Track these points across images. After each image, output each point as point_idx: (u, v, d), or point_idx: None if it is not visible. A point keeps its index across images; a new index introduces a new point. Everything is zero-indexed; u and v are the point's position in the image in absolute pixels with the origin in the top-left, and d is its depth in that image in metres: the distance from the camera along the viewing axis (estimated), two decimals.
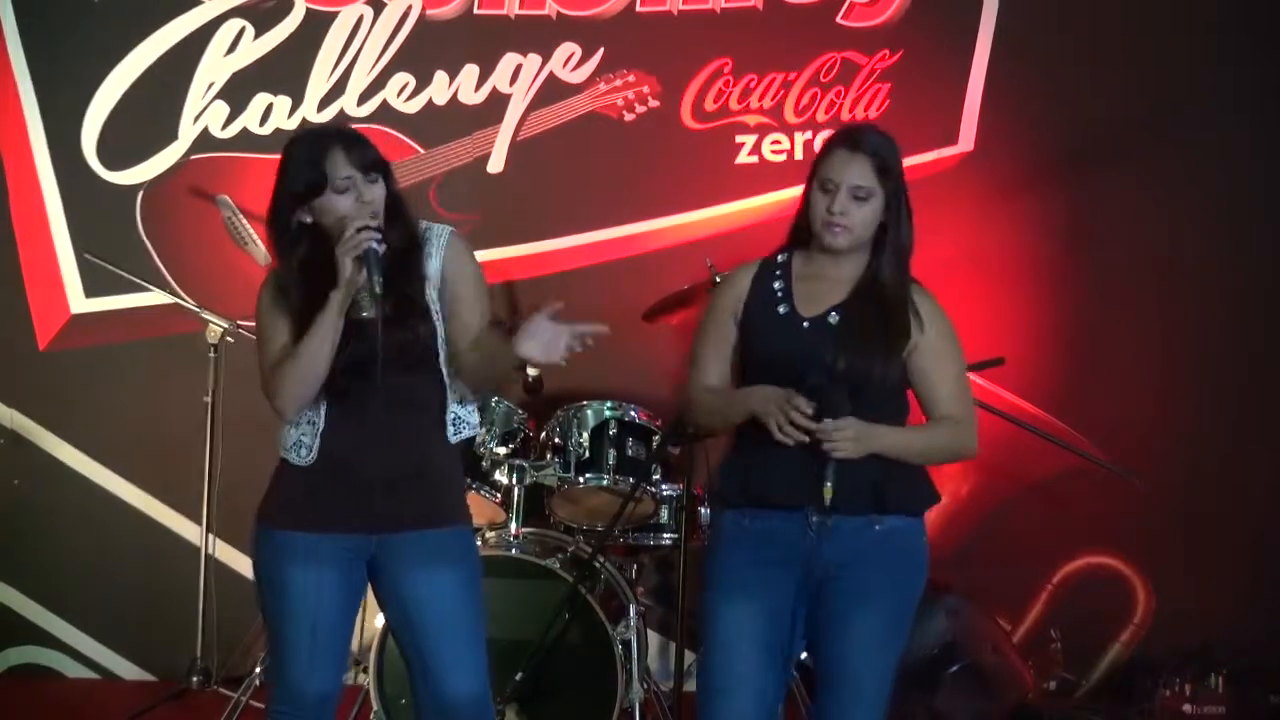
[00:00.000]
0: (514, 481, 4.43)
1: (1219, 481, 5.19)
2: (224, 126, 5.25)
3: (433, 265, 3.14)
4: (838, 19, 5.23)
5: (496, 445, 4.47)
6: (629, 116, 5.25)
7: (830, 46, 5.22)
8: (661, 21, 5.24)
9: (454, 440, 3.15)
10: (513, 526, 4.40)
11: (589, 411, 4.57)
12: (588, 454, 4.52)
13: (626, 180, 5.30)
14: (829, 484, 2.97)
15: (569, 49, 5.23)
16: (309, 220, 3.06)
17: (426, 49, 5.23)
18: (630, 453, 4.53)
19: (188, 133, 5.25)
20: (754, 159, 5.24)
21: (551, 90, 5.25)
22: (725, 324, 3.18)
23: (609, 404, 4.58)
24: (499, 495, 4.48)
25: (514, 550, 4.32)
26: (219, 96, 5.24)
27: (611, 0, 5.23)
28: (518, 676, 4.17)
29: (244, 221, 5.20)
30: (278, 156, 3.11)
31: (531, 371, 4.50)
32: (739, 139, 5.24)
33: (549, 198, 5.29)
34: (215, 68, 5.24)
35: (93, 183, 5.25)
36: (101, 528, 5.27)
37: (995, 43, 5.22)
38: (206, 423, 4.87)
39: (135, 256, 5.18)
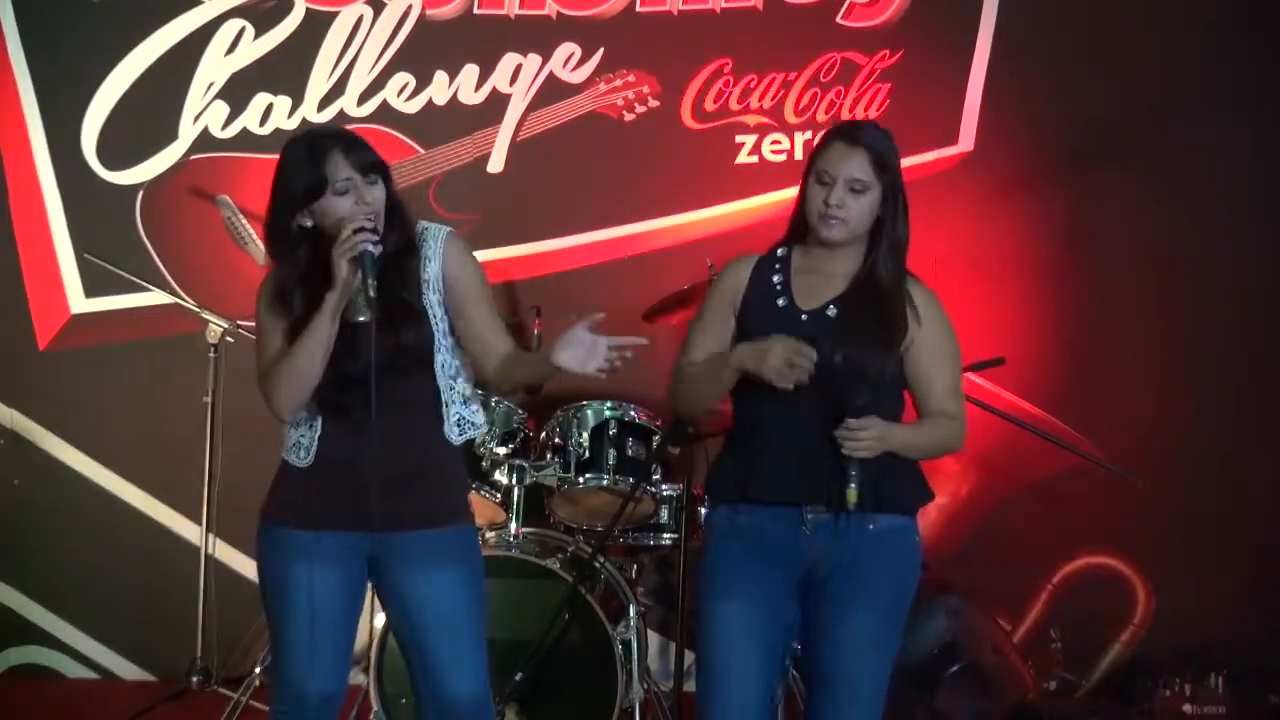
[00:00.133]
0: (514, 481, 4.43)
1: (1219, 481, 5.19)
2: (224, 126, 5.25)
3: (432, 268, 3.13)
4: (838, 19, 5.23)
5: (496, 445, 4.47)
6: (629, 116, 5.25)
7: (830, 46, 5.22)
8: (661, 21, 5.24)
9: (459, 440, 3.15)
10: (513, 526, 4.40)
11: (589, 411, 4.57)
12: (588, 454, 4.52)
13: (626, 180, 5.30)
14: (853, 485, 2.97)
15: (569, 49, 5.24)
16: (309, 224, 3.06)
17: (426, 49, 5.23)
18: (630, 453, 4.53)
19: (188, 133, 5.26)
20: (754, 159, 5.24)
21: (551, 90, 5.25)
22: (722, 313, 3.17)
23: (609, 404, 4.58)
24: (499, 495, 4.48)
25: (514, 550, 4.32)
26: (219, 96, 5.25)
27: (611, 0, 5.23)
28: (518, 676, 4.17)
29: (244, 221, 5.20)
30: (278, 157, 3.11)
31: None
32: (739, 139, 5.24)
33: (549, 198, 5.29)
34: (215, 68, 5.24)
35: (93, 183, 5.26)
36: (101, 528, 5.28)
37: (995, 43, 5.22)
38: (206, 423, 4.86)
39: (135, 256, 5.18)
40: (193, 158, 5.27)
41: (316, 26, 5.23)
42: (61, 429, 5.30)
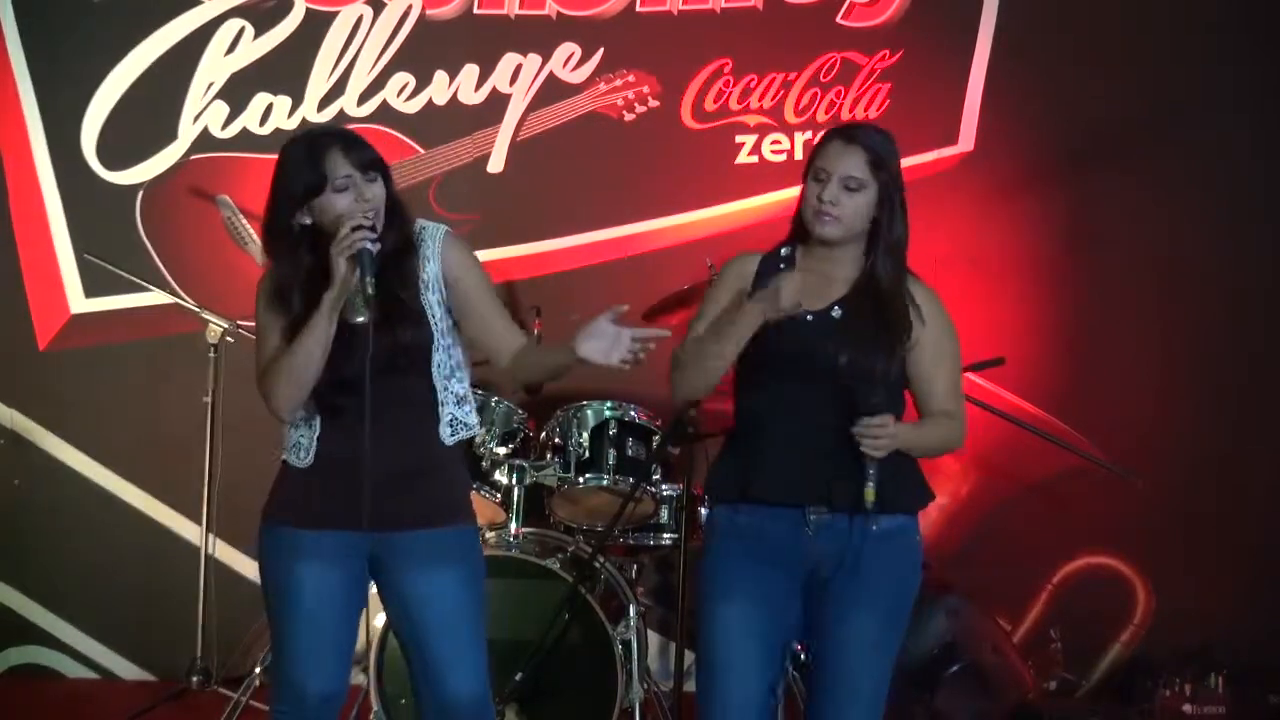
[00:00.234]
0: (514, 481, 4.43)
1: (1219, 481, 5.19)
2: (224, 126, 5.25)
3: (431, 269, 3.13)
4: (838, 19, 5.23)
5: (496, 445, 4.47)
6: (629, 116, 5.25)
7: (830, 46, 5.22)
8: (661, 21, 5.24)
9: (451, 442, 3.14)
10: (513, 526, 4.40)
11: (589, 411, 4.57)
12: (588, 454, 4.52)
13: (626, 180, 5.30)
14: (871, 485, 2.97)
15: (569, 49, 5.24)
16: (308, 222, 3.06)
17: (426, 49, 5.23)
18: (630, 453, 4.53)
19: (187, 133, 5.26)
20: (754, 159, 5.24)
21: (551, 90, 5.25)
22: (726, 304, 3.15)
23: (609, 404, 4.58)
24: (499, 495, 4.48)
25: (514, 550, 4.32)
26: (219, 96, 5.25)
27: (611, 0, 5.23)
28: (518, 676, 4.17)
29: (244, 221, 5.20)
30: (277, 157, 3.11)
31: None
32: (739, 139, 5.24)
33: (549, 198, 5.29)
34: (215, 68, 5.24)
35: (93, 183, 5.25)
36: (101, 528, 5.28)
37: (995, 43, 5.22)
38: (206, 423, 4.86)
39: (135, 256, 5.18)
40: (193, 158, 5.27)
41: (316, 26, 5.23)
42: (61, 429, 5.30)
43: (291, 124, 5.20)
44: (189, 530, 5.22)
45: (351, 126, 4.68)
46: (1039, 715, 4.64)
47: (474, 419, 3.19)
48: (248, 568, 5.07)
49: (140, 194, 5.27)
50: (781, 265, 3.15)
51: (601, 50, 5.22)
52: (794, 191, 3.17)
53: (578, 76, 5.25)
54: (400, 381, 3.08)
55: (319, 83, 5.23)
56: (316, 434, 3.10)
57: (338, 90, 5.24)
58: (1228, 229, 5.22)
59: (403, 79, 5.24)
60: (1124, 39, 5.23)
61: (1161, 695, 4.74)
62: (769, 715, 3.13)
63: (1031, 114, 5.23)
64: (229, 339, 4.82)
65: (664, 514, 4.58)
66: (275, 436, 3.17)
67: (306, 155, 3.03)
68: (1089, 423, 5.15)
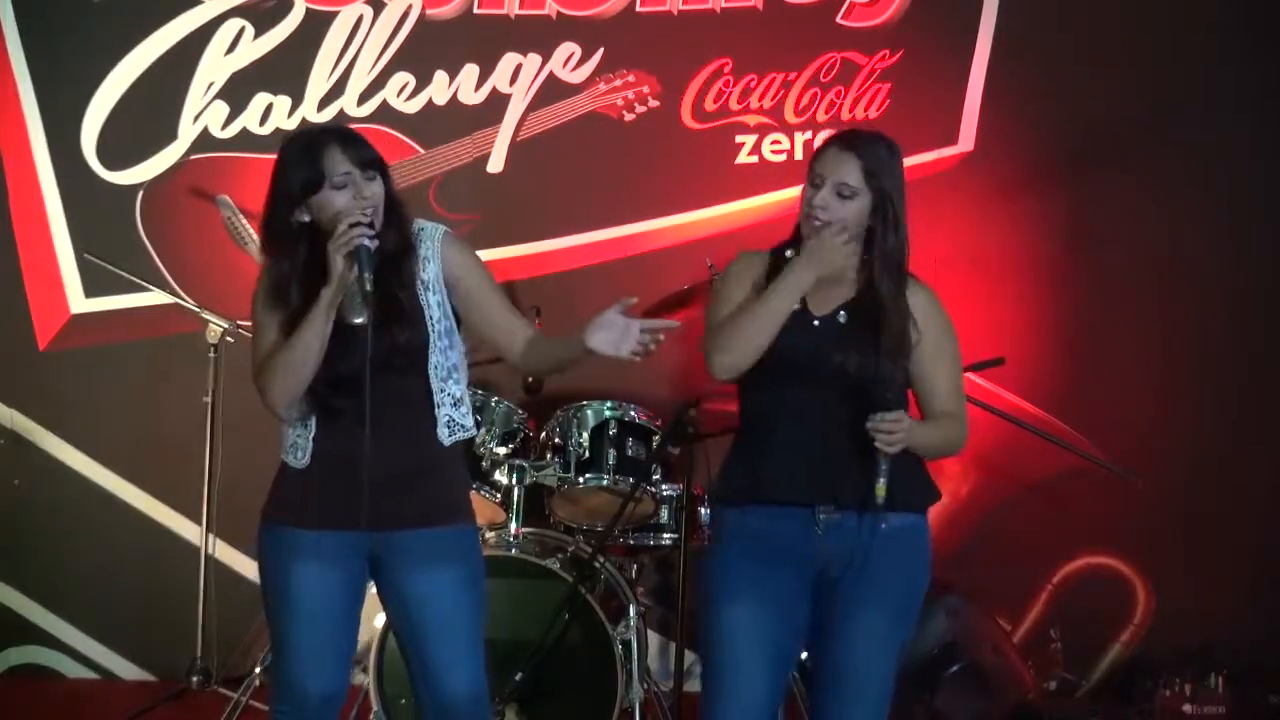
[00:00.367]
0: (514, 481, 4.43)
1: (1219, 481, 5.19)
2: (224, 126, 5.25)
3: (430, 269, 3.13)
4: (838, 19, 5.23)
5: (496, 445, 4.47)
6: (629, 116, 5.25)
7: (830, 46, 5.22)
8: (661, 21, 5.24)
9: (448, 443, 3.14)
10: (513, 526, 4.40)
11: (589, 411, 4.57)
12: (588, 454, 4.52)
13: (626, 180, 5.30)
14: (883, 480, 2.97)
15: (569, 49, 5.24)
16: (307, 219, 3.06)
17: (426, 49, 5.23)
18: (630, 453, 4.53)
19: (187, 133, 5.26)
20: (754, 159, 5.24)
21: (551, 90, 5.25)
22: (748, 294, 3.14)
23: (609, 404, 4.58)
24: (499, 495, 4.48)
25: (514, 550, 4.32)
26: (219, 96, 5.25)
27: (611, 0, 5.23)
28: (518, 676, 4.17)
29: (244, 221, 5.20)
30: (276, 154, 3.10)
31: None
32: (739, 139, 5.24)
33: (549, 198, 5.29)
34: (215, 68, 5.24)
35: (93, 183, 5.25)
36: (101, 528, 5.28)
37: (995, 43, 5.22)
38: (206, 423, 4.86)
39: (135, 256, 5.18)
40: (193, 158, 5.27)
41: (316, 26, 5.23)
42: (61, 429, 5.30)
43: (291, 124, 5.20)
44: (189, 530, 5.22)
45: (351, 126, 4.68)
46: (1039, 715, 4.64)
47: (470, 421, 3.18)
48: (248, 568, 5.07)
49: (140, 194, 5.27)
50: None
51: (601, 50, 5.22)
52: (794, 191, 3.18)
53: (578, 76, 5.25)
54: (397, 381, 3.08)
55: (319, 83, 5.23)
56: (313, 434, 3.09)
57: (338, 90, 5.24)
58: (1228, 229, 5.22)
59: (403, 79, 5.24)
60: (1124, 39, 5.23)
61: (1161, 695, 4.74)
62: (773, 715, 3.12)
63: (1031, 114, 5.23)
64: (229, 339, 4.82)
65: (664, 514, 4.58)
66: (275, 436, 3.17)
67: (305, 152, 3.03)
68: (1089, 423, 5.15)
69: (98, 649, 5.31)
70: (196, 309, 4.92)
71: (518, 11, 5.23)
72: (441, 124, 5.25)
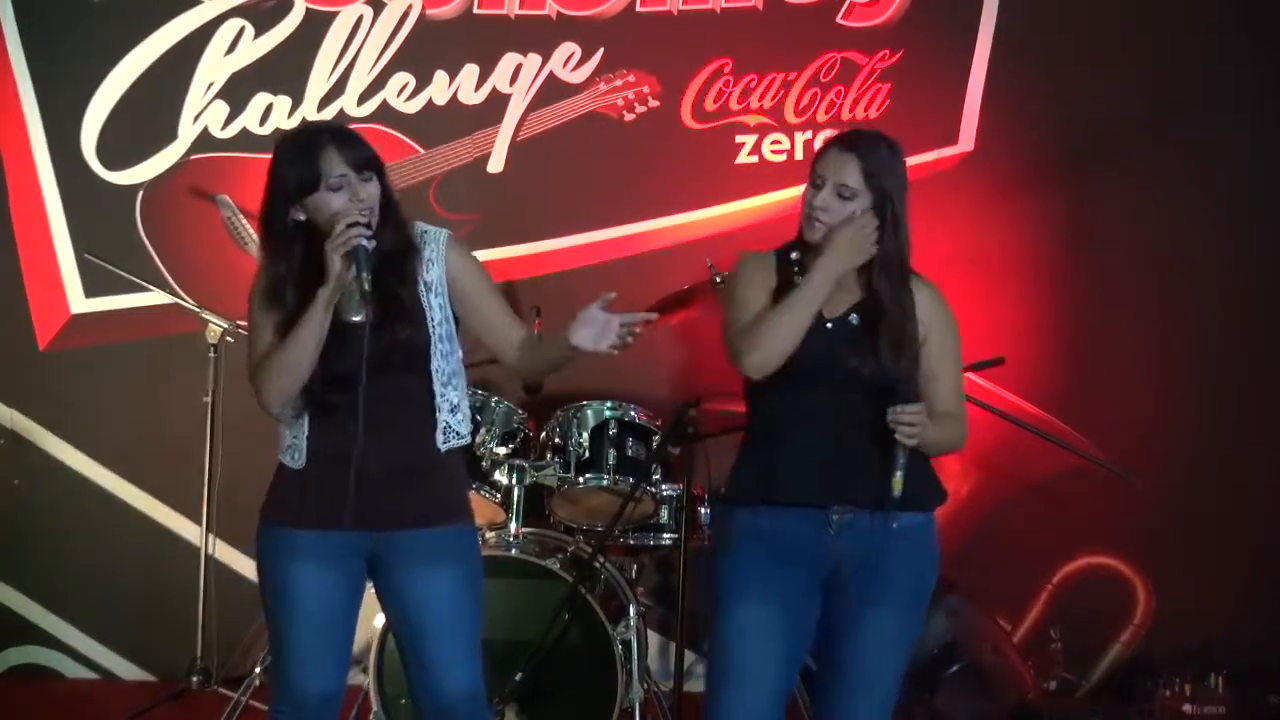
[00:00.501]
0: (514, 481, 4.43)
1: (1219, 481, 5.19)
2: (224, 126, 5.25)
3: (434, 271, 3.14)
4: (838, 19, 5.23)
5: (496, 445, 4.47)
6: (629, 116, 5.25)
7: (830, 46, 5.22)
8: (661, 21, 5.24)
9: (444, 449, 3.14)
10: (513, 526, 4.40)
11: (589, 411, 4.57)
12: (588, 454, 4.52)
13: (626, 180, 5.30)
14: (900, 474, 2.98)
15: (569, 49, 5.23)
16: (303, 218, 3.06)
17: (426, 49, 5.23)
18: (630, 453, 4.53)
19: (187, 133, 5.25)
20: (754, 159, 5.24)
21: (551, 90, 5.25)
22: (764, 293, 3.14)
23: (609, 404, 4.58)
24: (499, 495, 4.48)
25: (514, 550, 4.32)
26: (219, 96, 5.24)
27: (611, 0, 5.23)
28: (518, 676, 4.17)
29: (244, 221, 5.20)
30: (273, 152, 3.10)
31: None
32: (739, 139, 5.24)
33: (549, 198, 5.29)
34: (215, 68, 5.24)
35: (93, 183, 5.25)
36: (101, 528, 5.27)
37: (995, 43, 5.22)
38: (206, 423, 4.86)
39: (135, 256, 5.18)
40: (193, 158, 5.26)
41: (316, 26, 5.23)
42: (61, 429, 5.30)
43: (291, 124, 5.19)
44: (189, 530, 5.22)
45: (351, 126, 4.68)
46: (1039, 715, 4.64)
47: (465, 429, 3.18)
48: (248, 568, 5.06)
49: (140, 194, 5.26)
50: (795, 269, 3.15)
51: (601, 50, 5.22)
52: (794, 192, 3.18)
53: (578, 76, 5.25)
54: (398, 380, 3.08)
55: (319, 83, 5.23)
56: (307, 433, 3.10)
57: (338, 90, 5.24)
58: (1228, 229, 5.22)
59: (403, 79, 5.24)
60: (1124, 39, 5.22)
61: (1161, 695, 4.74)
62: (778, 716, 3.12)
63: (1031, 114, 5.23)
64: (229, 339, 4.82)
65: (664, 514, 4.58)
66: (275, 437, 3.17)
67: (301, 152, 3.03)
68: (1089, 423, 5.15)
69: (98, 649, 5.31)
70: (196, 309, 4.92)
71: (518, 11, 5.23)
72: (441, 124, 5.24)
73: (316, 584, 3.08)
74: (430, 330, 3.11)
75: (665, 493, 4.55)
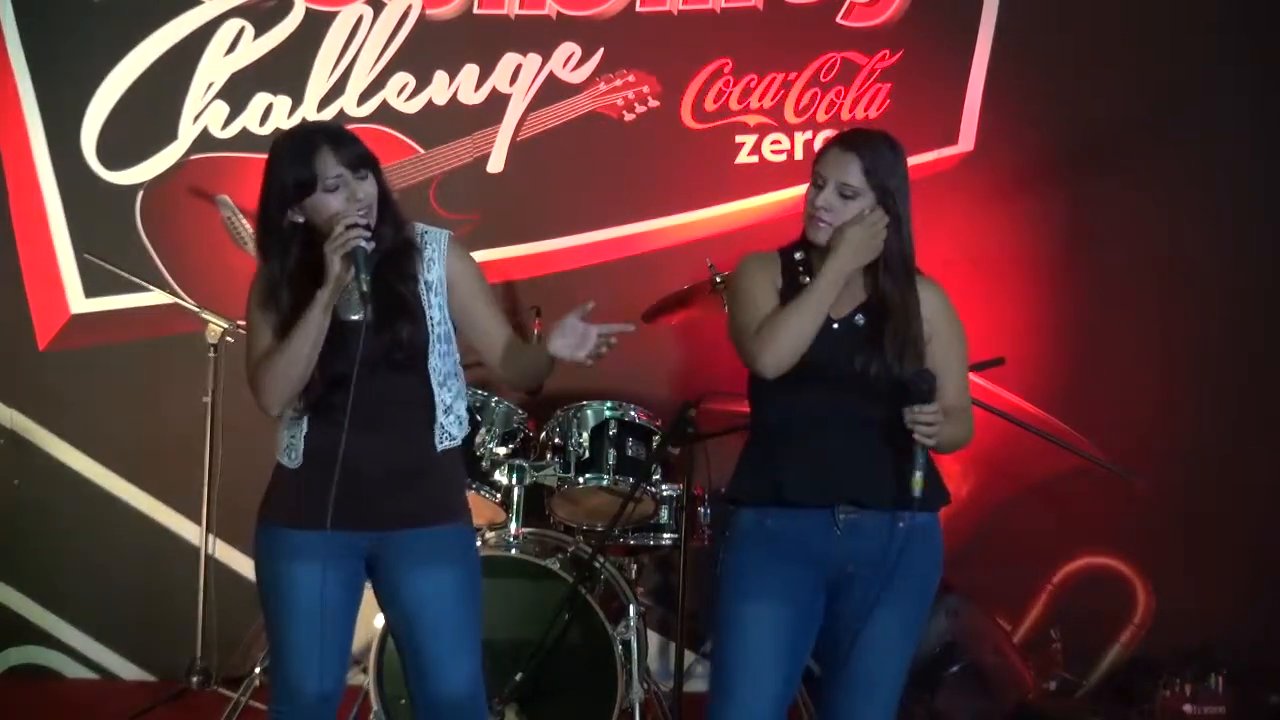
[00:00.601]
0: (514, 481, 4.43)
1: (1219, 481, 5.19)
2: (224, 126, 5.25)
3: (436, 271, 3.14)
4: (838, 19, 5.23)
5: (496, 445, 4.46)
6: (629, 116, 5.25)
7: (830, 46, 5.22)
8: (661, 21, 5.24)
9: (440, 449, 3.15)
10: (513, 526, 4.40)
11: (589, 411, 4.57)
12: (588, 454, 4.52)
13: (626, 180, 5.30)
14: (920, 474, 2.98)
15: (569, 49, 5.24)
16: (301, 220, 3.06)
17: (426, 49, 5.23)
18: (630, 453, 4.53)
19: (187, 133, 5.25)
20: (754, 159, 5.24)
21: (551, 90, 5.25)
22: (772, 291, 3.14)
23: (609, 404, 4.58)
24: (499, 495, 4.48)
25: (514, 550, 4.32)
26: (219, 96, 5.25)
27: (611, 0, 5.23)
28: (518, 676, 4.17)
29: (244, 221, 5.20)
30: (268, 153, 3.10)
31: None
32: (739, 139, 5.24)
33: (549, 198, 5.29)
34: (215, 68, 5.24)
35: (93, 183, 5.25)
36: (101, 528, 5.27)
37: (995, 43, 5.22)
38: (206, 423, 4.86)
39: (135, 256, 5.18)
40: (193, 158, 5.26)
41: (316, 26, 5.23)
42: (61, 429, 5.30)
43: (291, 124, 5.19)
44: (189, 530, 5.22)
45: (351, 127, 4.67)
46: (1039, 715, 4.64)
47: (458, 430, 3.18)
48: (248, 568, 5.02)
49: (140, 194, 5.26)
50: (800, 268, 3.15)
51: (601, 50, 5.22)
52: (794, 192, 3.19)
53: (578, 76, 5.25)
54: (397, 379, 3.08)
55: (319, 83, 5.23)
56: (305, 432, 3.10)
57: (338, 90, 5.24)
58: (1228, 229, 5.22)
59: (403, 79, 5.24)
60: (1124, 39, 5.23)
61: (1161, 695, 4.74)
62: (782, 717, 3.12)
63: (1031, 114, 5.23)
64: (229, 339, 4.82)
65: (664, 514, 4.58)
66: (274, 437, 3.17)
67: (296, 153, 3.03)
68: (1089, 423, 5.15)
69: (98, 649, 5.31)
70: (196, 309, 4.92)
71: (518, 11, 5.23)
72: (441, 124, 5.24)
73: (315, 584, 3.08)
74: (430, 329, 3.11)
75: (665, 493, 4.55)
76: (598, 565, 4.44)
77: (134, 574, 5.27)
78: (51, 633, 5.30)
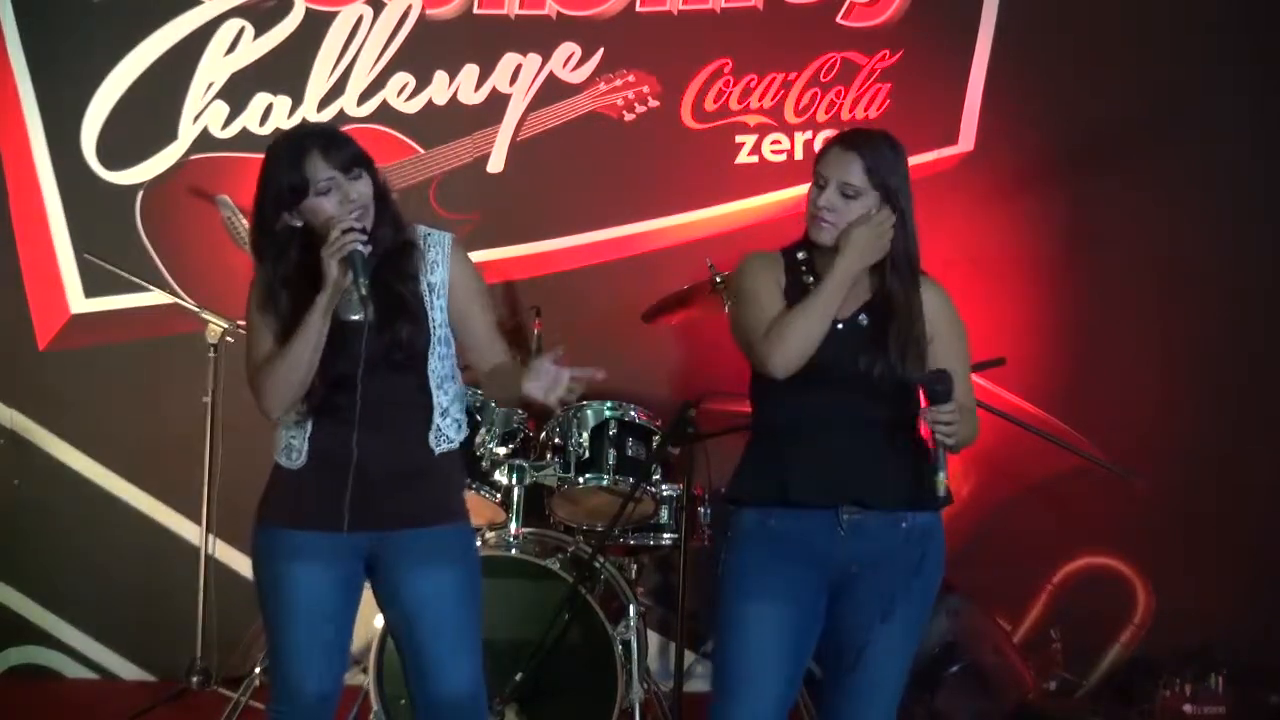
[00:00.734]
0: (514, 481, 4.43)
1: (1219, 481, 5.19)
2: (224, 126, 5.25)
3: (439, 274, 3.14)
4: (838, 19, 5.23)
5: (496, 445, 4.46)
6: (629, 116, 5.25)
7: (830, 46, 5.22)
8: (661, 21, 5.24)
9: (437, 452, 3.15)
10: (513, 526, 4.39)
11: (589, 411, 4.57)
12: (588, 454, 4.51)
13: (626, 180, 5.30)
14: (942, 474, 2.98)
15: (569, 49, 5.23)
16: (299, 223, 3.06)
17: (426, 49, 5.23)
18: (630, 453, 4.53)
19: (187, 133, 5.25)
20: (754, 159, 5.24)
21: (551, 90, 5.25)
22: (777, 291, 3.13)
23: (609, 404, 4.58)
24: (499, 495, 4.47)
25: (514, 550, 4.32)
26: (219, 96, 5.24)
27: (611, 0, 5.23)
28: (518, 676, 4.17)
29: (244, 221, 5.20)
30: (264, 157, 3.11)
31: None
32: (739, 139, 5.24)
33: (549, 198, 5.29)
34: (215, 68, 5.24)
35: (93, 183, 5.25)
36: (101, 528, 5.27)
37: (995, 43, 5.23)
38: (206, 423, 4.86)
39: (135, 256, 5.18)
40: (192, 158, 5.26)
41: (316, 26, 5.23)
42: (61, 429, 5.29)
43: (291, 124, 5.19)
44: (189, 530, 5.22)
45: (351, 127, 4.69)
46: (1039, 715, 4.64)
47: (454, 434, 3.18)
48: (248, 567, 4.95)
49: (140, 194, 5.26)
50: (803, 268, 3.15)
51: (601, 50, 5.22)
52: (794, 192, 3.19)
53: (578, 76, 5.25)
54: (398, 380, 3.09)
55: (319, 83, 5.23)
56: (308, 434, 3.09)
57: (338, 90, 5.24)
58: (1228, 229, 5.22)
59: (403, 79, 5.24)
60: (1124, 39, 5.23)
61: (1161, 695, 4.74)
62: (784, 718, 3.13)
63: (1031, 114, 5.23)
64: (229, 339, 4.82)
65: (664, 514, 4.58)
66: (273, 437, 3.17)
67: (288, 158, 3.03)
68: (1089, 423, 5.15)
69: (98, 649, 5.31)
70: (196, 309, 4.92)
71: (518, 11, 5.23)
72: (441, 124, 5.24)
73: (315, 584, 3.08)
74: (431, 331, 3.11)
75: (665, 493, 4.55)
76: (598, 565, 4.44)
77: (134, 574, 5.27)
78: (51, 633, 5.30)
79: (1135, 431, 5.14)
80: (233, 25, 5.22)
